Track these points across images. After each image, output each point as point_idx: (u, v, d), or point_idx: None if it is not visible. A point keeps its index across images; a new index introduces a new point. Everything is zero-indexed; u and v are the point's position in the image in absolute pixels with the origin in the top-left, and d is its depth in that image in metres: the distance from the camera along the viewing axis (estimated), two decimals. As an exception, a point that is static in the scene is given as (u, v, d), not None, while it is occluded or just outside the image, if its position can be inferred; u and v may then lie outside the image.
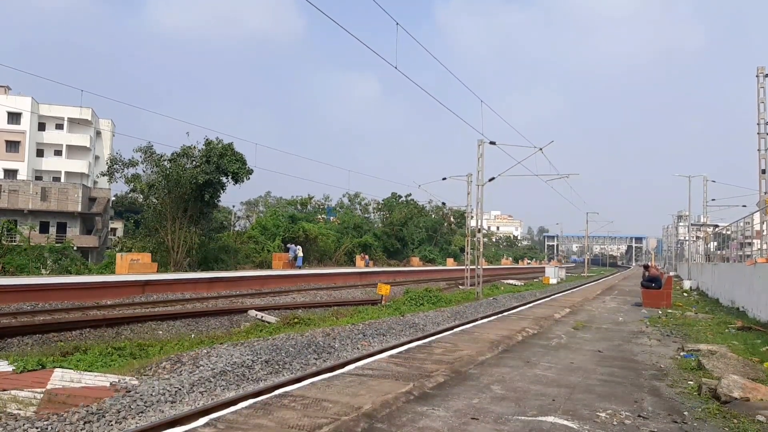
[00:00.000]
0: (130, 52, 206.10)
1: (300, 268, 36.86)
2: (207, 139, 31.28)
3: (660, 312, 16.44)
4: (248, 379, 8.89)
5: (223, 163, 30.50)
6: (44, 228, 46.67)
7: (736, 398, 5.90)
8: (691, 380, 7.15)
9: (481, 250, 27.08)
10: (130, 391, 7.40)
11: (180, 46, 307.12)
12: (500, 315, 15.21)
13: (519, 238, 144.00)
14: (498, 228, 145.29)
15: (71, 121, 60.01)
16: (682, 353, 9.20)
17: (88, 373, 8.27)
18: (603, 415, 5.43)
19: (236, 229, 57.97)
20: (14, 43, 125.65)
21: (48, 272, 26.35)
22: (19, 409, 6.82)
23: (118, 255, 26.73)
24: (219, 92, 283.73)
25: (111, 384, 7.73)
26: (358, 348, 11.98)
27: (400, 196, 63.42)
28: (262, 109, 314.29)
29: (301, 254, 39.13)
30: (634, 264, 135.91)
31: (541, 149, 24.65)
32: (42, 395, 7.12)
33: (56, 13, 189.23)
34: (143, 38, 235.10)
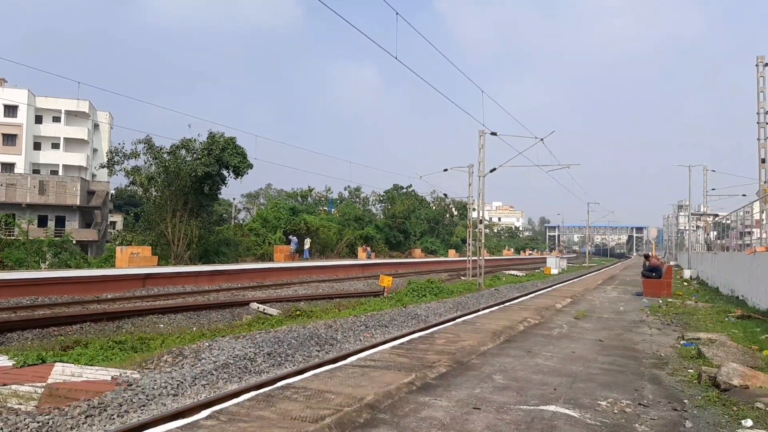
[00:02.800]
0: (126, 42, 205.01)
1: (307, 259, 37.14)
2: (210, 132, 31.29)
3: (660, 301, 16.46)
4: (250, 371, 8.90)
5: (225, 156, 30.47)
6: (42, 222, 46.60)
7: (735, 386, 5.91)
8: (691, 368, 7.17)
9: (483, 241, 27.08)
10: (131, 385, 7.40)
11: (177, 36, 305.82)
12: (502, 305, 15.22)
13: (520, 228, 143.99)
14: (499, 219, 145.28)
15: (69, 113, 59.69)
16: (682, 342, 9.22)
17: (89, 367, 8.28)
18: (604, 403, 5.44)
19: (237, 221, 57.96)
20: (9, 34, 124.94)
21: (47, 266, 26.39)
22: (20, 404, 6.84)
23: (118, 248, 26.75)
24: (217, 83, 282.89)
25: (112, 378, 7.74)
26: (360, 339, 12.01)
27: (401, 188, 63.36)
28: (261, 100, 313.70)
29: (308, 246, 39.33)
30: (634, 254, 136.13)
31: (542, 140, 24.60)
32: (43, 390, 7.13)
33: (51, 4, 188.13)
34: (139, 28, 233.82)
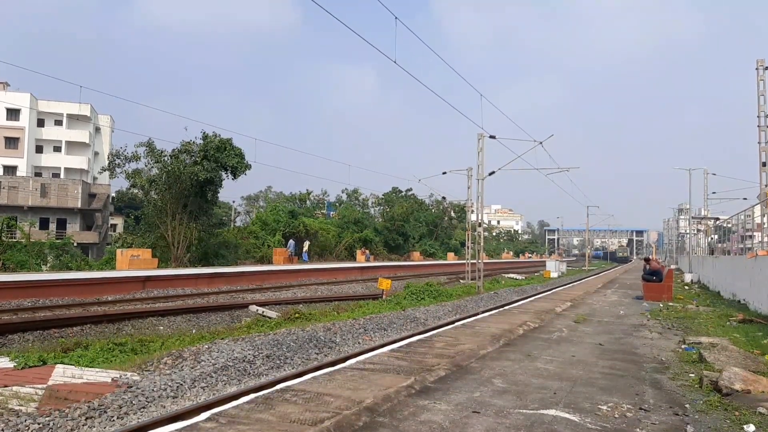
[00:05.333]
0: (126, 46, 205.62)
1: (306, 262, 37.19)
2: (204, 133, 31.21)
3: (661, 305, 16.43)
4: (249, 374, 8.89)
5: (222, 157, 30.48)
6: (44, 224, 46.66)
7: (737, 391, 5.89)
8: (693, 373, 7.15)
9: (482, 244, 27.06)
10: (131, 387, 7.40)
11: (177, 40, 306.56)
12: (501, 309, 15.21)
13: (519, 232, 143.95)
14: (498, 222, 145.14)
15: (70, 117, 59.94)
16: (683, 346, 9.20)
17: (90, 368, 8.28)
18: (604, 408, 5.42)
19: (236, 224, 57.97)
20: (12, 38, 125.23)
21: (48, 268, 26.39)
22: (21, 406, 6.83)
23: (119, 251, 26.76)
24: (217, 86, 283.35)
25: (112, 379, 7.74)
26: (359, 342, 11.99)
27: (400, 191, 63.41)
28: (260, 104, 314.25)
29: (306, 248, 39.39)
30: (634, 257, 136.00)
31: (541, 143, 24.60)
32: (43, 391, 7.13)
33: (52, 7, 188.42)
34: (139, 32, 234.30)
